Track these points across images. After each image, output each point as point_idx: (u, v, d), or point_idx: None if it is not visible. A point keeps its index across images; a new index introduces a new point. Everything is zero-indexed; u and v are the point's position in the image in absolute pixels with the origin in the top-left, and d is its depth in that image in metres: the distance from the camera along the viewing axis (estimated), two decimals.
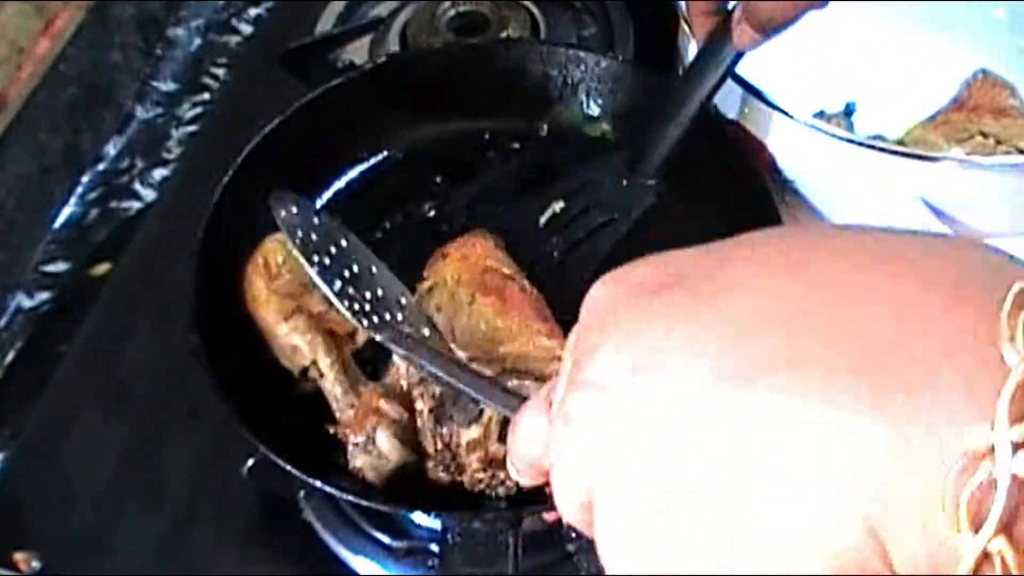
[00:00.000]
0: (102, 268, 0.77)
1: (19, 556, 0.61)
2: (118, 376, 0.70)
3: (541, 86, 0.70)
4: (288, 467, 0.50)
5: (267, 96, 0.72)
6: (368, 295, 0.55)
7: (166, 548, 0.62)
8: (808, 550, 0.25)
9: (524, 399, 0.38)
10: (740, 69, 0.60)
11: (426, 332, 0.56)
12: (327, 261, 0.55)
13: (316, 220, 0.57)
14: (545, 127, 0.70)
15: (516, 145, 0.70)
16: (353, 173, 0.69)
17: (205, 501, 0.64)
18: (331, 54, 0.82)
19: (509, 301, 0.56)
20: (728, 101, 0.63)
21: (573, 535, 0.58)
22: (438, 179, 0.69)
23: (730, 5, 0.57)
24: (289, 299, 0.58)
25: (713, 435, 0.26)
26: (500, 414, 0.49)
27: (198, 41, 0.94)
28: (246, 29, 0.94)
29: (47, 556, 0.61)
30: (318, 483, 0.50)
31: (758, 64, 0.59)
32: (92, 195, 0.83)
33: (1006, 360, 0.24)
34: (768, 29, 0.53)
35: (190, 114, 0.88)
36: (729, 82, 0.61)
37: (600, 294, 0.31)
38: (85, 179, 0.84)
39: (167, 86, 0.91)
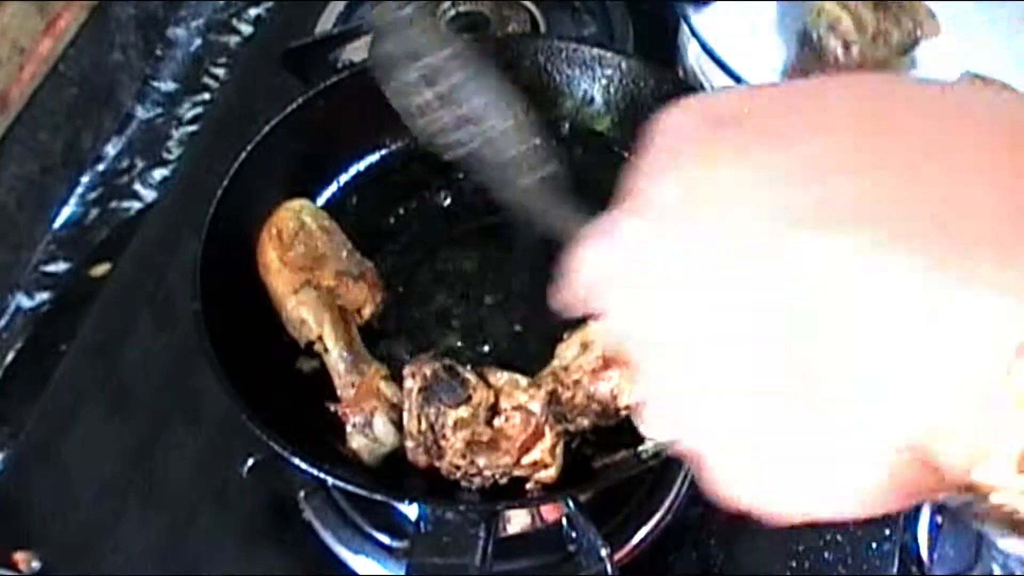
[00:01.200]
0: (102, 268, 0.77)
1: (19, 556, 0.61)
2: (118, 376, 0.70)
3: (566, 84, 0.70)
4: (266, 437, 0.50)
5: (267, 96, 0.72)
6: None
7: (166, 548, 0.62)
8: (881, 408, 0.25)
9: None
10: (740, 69, 0.60)
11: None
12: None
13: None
14: (567, 125, 0.70)
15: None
16: (374, 157, 0.70)
17: (205, 501, 0.64)
18: (331, 54, 0.82)
19: None
20: None
21: (573, 535, 0.57)
22: (460, 173, 0.69)
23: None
24: (301, 272, 0.58)
25: (771, 272, 0.26)
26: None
27: (198, 41, 0.94)
28: (246, 29, 0.94)
29: (47, 556, 0.62)
30: (297, 460, 0.50)
31: (758, 64, 0.59)
32: (92, 195, 0.83)
33: None
34: None
35: (190, 114, 0.88)
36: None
37: (675, 119, 0.30)
38: (85, 179, 0.84)
39: (167, 86, 0.91)
